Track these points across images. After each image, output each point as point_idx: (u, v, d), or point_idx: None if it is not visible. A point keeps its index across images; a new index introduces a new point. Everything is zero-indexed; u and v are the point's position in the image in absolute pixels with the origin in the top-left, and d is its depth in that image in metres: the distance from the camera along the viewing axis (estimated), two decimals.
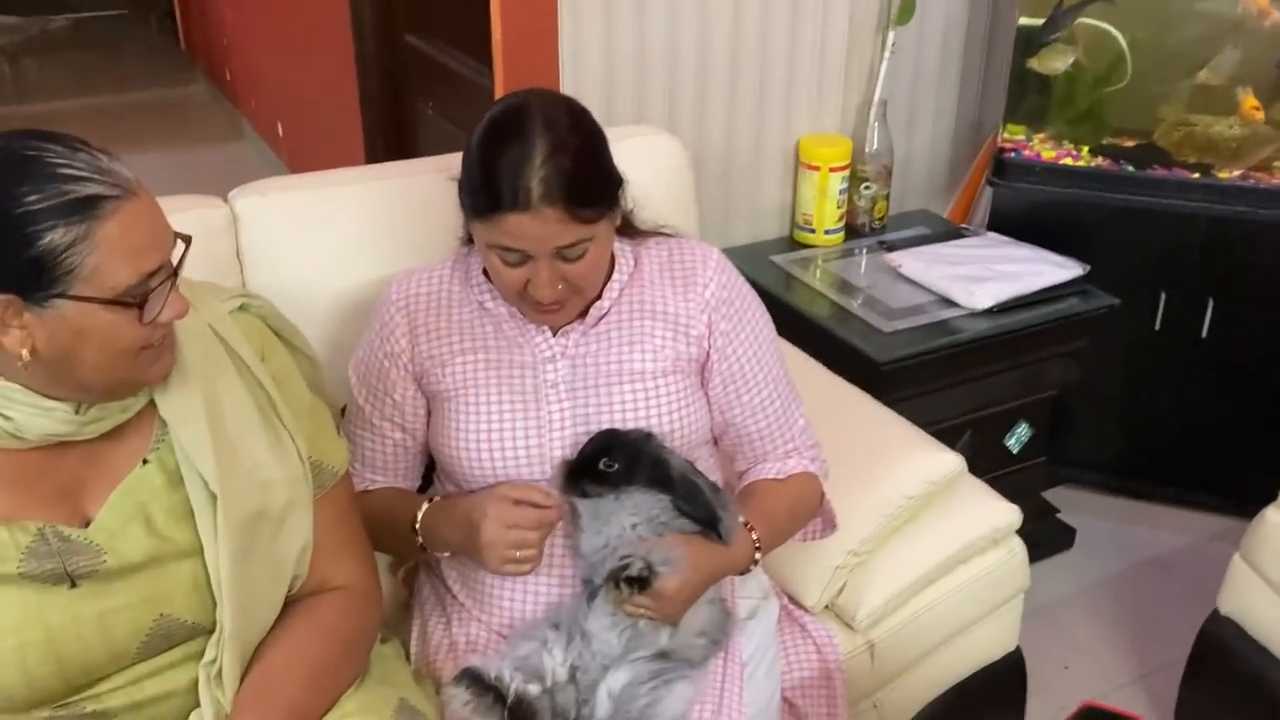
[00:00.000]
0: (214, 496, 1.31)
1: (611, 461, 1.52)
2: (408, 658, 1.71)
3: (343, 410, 1.88)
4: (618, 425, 1.60)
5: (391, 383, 1.67)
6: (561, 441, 1.60)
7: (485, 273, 1.64)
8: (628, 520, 1.53)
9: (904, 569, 1.91)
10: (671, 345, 1.63)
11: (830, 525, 1.79)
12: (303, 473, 1.41)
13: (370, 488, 1.73)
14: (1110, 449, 3.07)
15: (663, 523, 1.54)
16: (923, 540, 1.93)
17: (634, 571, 1.47)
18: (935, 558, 1.92)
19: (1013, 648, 2.11)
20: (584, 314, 1.63)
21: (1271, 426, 2.90)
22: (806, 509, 1.75)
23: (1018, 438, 2.72)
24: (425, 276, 1.69)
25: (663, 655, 1.54)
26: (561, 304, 1.55)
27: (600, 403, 1.61)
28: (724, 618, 1.63)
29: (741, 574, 1.67)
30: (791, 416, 1.74)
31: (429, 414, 1.68)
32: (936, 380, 2.49)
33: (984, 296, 2.53)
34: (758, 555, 1.64)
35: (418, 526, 1.63)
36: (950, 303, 2.56)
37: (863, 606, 1.88)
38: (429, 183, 1.91)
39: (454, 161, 1.53)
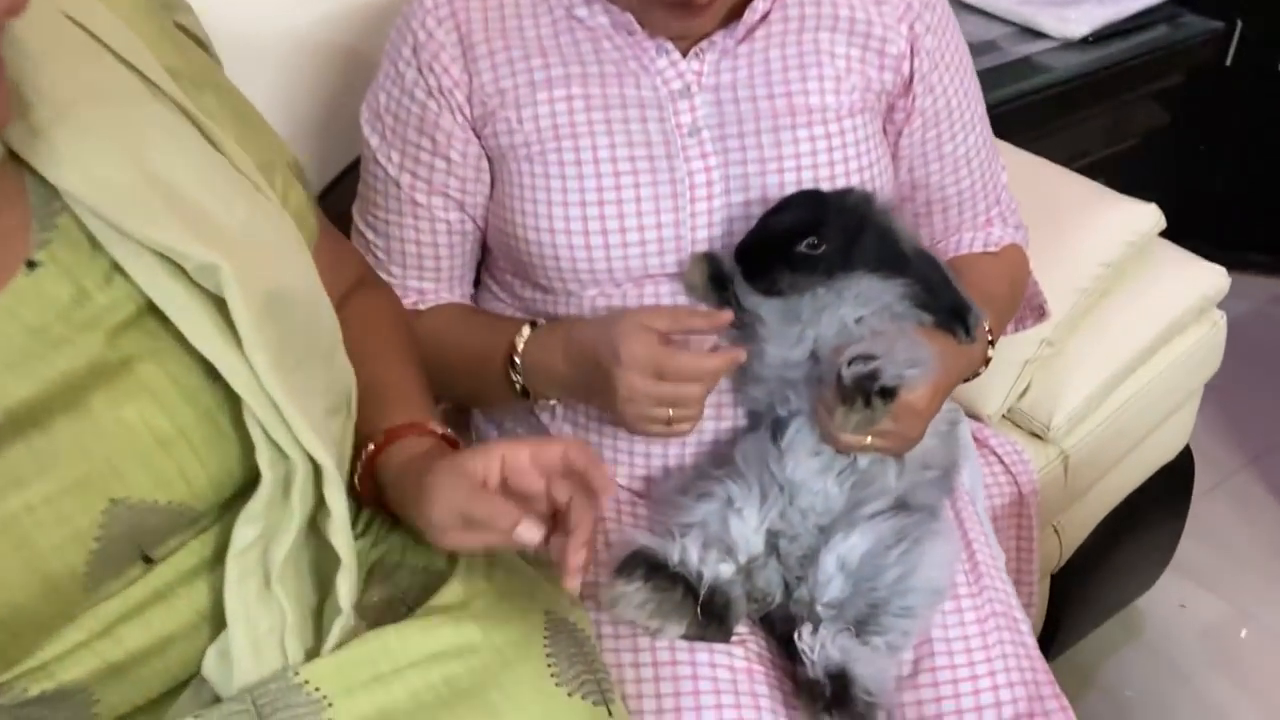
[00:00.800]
0: (210, 270, 0.76)
1: (819, 241, 1.02)
2: None
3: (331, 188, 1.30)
4: (789, 187, 1.09)
5: (442, 136, 1.11)
6: (708, 217, 1.09)
7: None
8: (850, 313, 1.04)
9: (1103, 357, 1.48)
10: (860, 70, 1.12)
11: (1039, 312, 1.34)
12: (279, 212, 0.89)
13: (420, 305, 1.19)
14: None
15: (897, 314, 1.05)
16: (1120, 319, 1.50)
17: (888, 379, 0.99)
18: (1138, 340, 1.49)
19: (1185, 442, 1.72)
20: (727, 21, 1.10)
21: None
22: (1023, 291, 1.30)
23: None
24: None
25: (902, 505, 1.07)
26: None
27: (764, 156, 1.10)
28: (950, 441, 1.16)
29: (971, 379, 1.20)
30: (995, 171, 1.26)
31: (491, 184, 1.15)
32: (1022, 132, 2.02)
33: (1080, 22, 2.06)
34: (990, 353, 1.18)
35: (518, 359, 1.11)
36: (1030, 33, 2.09)
37: (1058, 409, 1.45)
38: None
39: None
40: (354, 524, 0.97)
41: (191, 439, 0.78)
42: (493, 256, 1.20)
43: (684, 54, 1.09)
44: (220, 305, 0.77)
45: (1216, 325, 1.58)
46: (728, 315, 1.03)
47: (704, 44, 1.09)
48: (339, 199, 1.31)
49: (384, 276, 1.18)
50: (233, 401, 0.79)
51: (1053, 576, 1.60)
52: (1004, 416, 1.47)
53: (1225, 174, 2.63)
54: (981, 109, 1.23)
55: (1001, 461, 1.40)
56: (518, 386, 1.12)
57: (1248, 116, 2.56)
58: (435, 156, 1.12)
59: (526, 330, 1.11)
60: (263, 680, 0.81)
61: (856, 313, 1.04)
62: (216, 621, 0.83)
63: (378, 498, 0.95)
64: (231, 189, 0.84)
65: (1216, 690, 1.83)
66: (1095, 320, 1.48)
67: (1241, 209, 2.66)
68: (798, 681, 1.03)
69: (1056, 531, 1.54)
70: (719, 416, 1.13)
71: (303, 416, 0.79)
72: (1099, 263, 1.45)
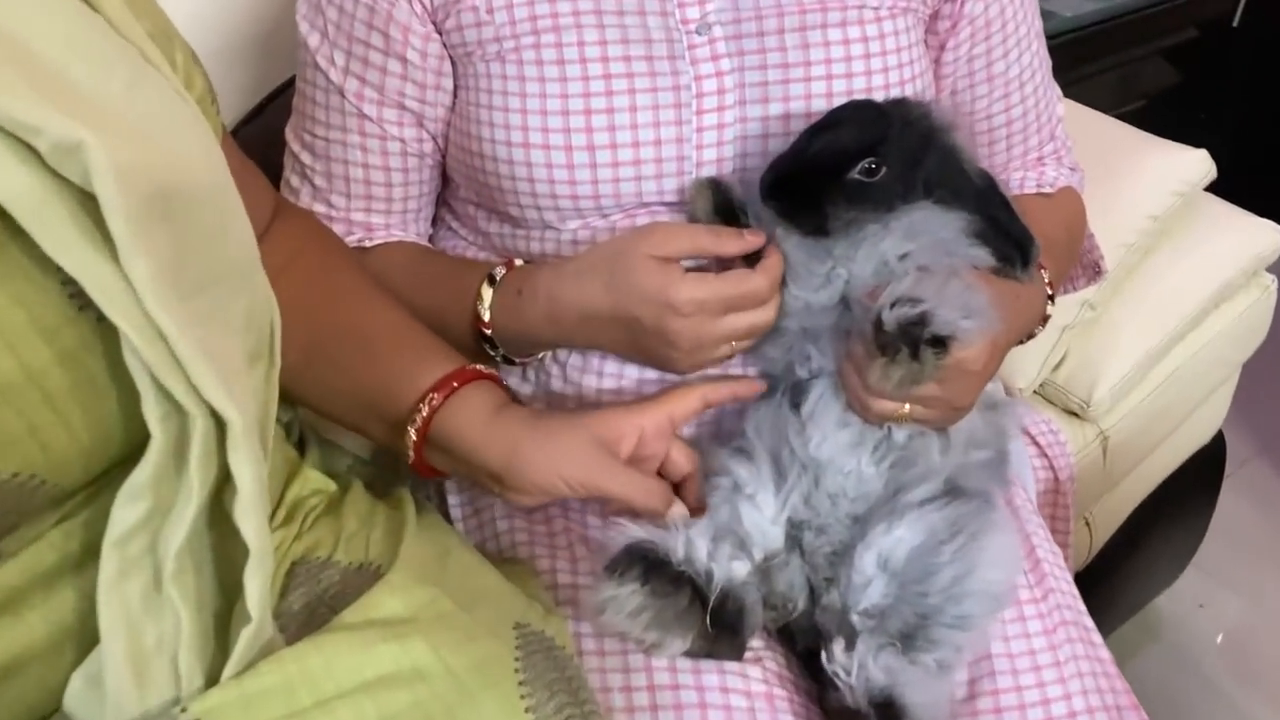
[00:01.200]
0: (72, 151, 0.54)
1: (879, 164, 0.82)
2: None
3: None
4: (817, 100, 0.90)
5: (397, 30, 0.89)
6: (717, 133, 0.89)
7: None
8: (893, 247, 0.84)
9: (1148, 323, 1.30)
10: None
11: (1094, 269, 1.14)
12: (179, 91, 0.66)
13: (365, 242, 0.97)
14: None
15: (951, 251, 0.85)
16: (1167, 280, 1.32)
17: (940, 326, 0.79)
18: (1187, 304, 1.31)
19: (1220, 425, 1.55)
20: None
21: None
22: (1081, 242, 1.10)
23: None
24: None
25: (954, 490, 0.88)
26: None
27: (787, 61, 0.89)
28: (1000, 417, 0.97)
29: (1025, 341, 1.01)
30: (1051, 101, 1.06)
31: (455, 93, 0.93)
32: None
33: None
34: (1049, 310, 0.99)
35: (485, 313, 0.90)
36: None
37: (1099, 383, 1.27)
38: None
39: None
40: (274, 507, 0.77)
41: (49, 388, 0.56)
42: (453, 185, 0.99)
43: None
44: (90, 203, 0.55)
45: (1268, 290, 1.41)
46: (760, 237, 0.83)
47: None
48: (268, 125, 1.09)
49: (320, 210, 0.96)
50: (108, 337, 0.57)
51: (1076, 575, 1.42)
52: (1036, 391, 1.29)
53: (1230, 139, 2.47)
54: (1038, 25, 1.03)
55: (1035, 443, 1.21)
56: (498, 358, 0.91)
57: (1256, 79, 2.40)
58: (388, 57, 0.90)
59: (489, 295, 0.90)
60: (147, 715, 0.59)
61: (902, 247, 0.83)
62: (84, 637, 0.61)
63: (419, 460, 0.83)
64: (110, 52, 0.62)
65: (1238, 695, 1.67)
66: (1140, 281, 1.30)
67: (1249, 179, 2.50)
68: (827, 710, 0.83)
69: (1088, 524, 1.36)
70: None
71: (203, 355, 0.57)
72: (1146, 215, 1.27)
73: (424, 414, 0.81)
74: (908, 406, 0.84)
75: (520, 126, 0.88)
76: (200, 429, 0.58)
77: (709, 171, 0.89)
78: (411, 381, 0.82)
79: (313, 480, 0.84)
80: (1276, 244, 1.36)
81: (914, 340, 0.78)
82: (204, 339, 0.58)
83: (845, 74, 0.90)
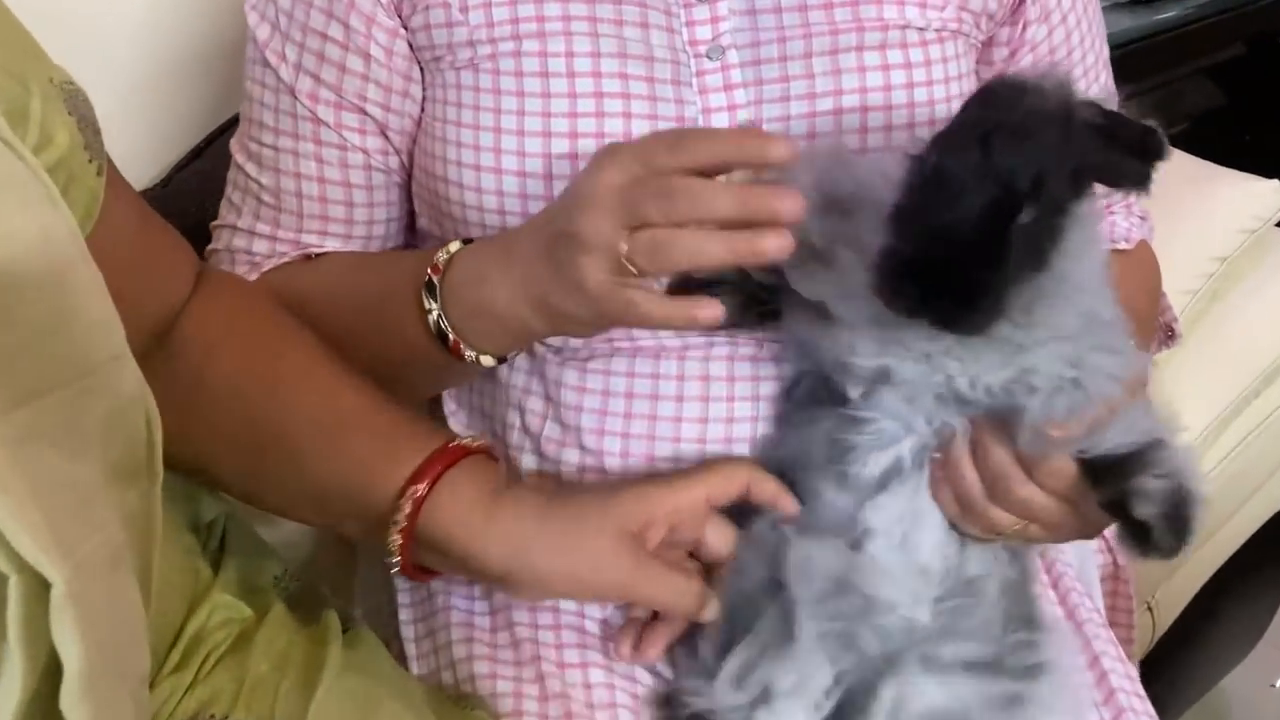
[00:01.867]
0: None
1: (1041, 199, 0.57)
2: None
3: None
4: (850, 135, 0.74)
5: (359, 21, 0.75)
6: None
7: None
8: (1053, 363, 0.63)
9: (1219, 381, 1.14)
10: None
11: (1167, 332, 0.98)
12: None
13: (313, 250, 0.81)
14: None
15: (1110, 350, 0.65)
16: (1236, 329, 1.16)
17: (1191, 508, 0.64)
18: (1264, 353, 1.15)
19: None
20: None
21: None
22: (1158, 303, 0.94)
23: None
24: None
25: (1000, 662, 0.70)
26: None
27: (815, 91, 0.74)
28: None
29: None
30: None
31: (423, 105, 0.78)
32: None
33: None
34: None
35: (436, 279, 0.70)
36: None
37: None
38: None
39: None
40: (167, 647, 0.64)
41: None
42: (418, 222, 0.83)
43: None
44: None
45: None
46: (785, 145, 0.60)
47: None
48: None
49: (264, 231, 0.81)
50: None
51: (1139, 664, 1.25)
52: None
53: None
54: (1105, 53, 0.89)
55: None
56: (431, 318, 0.70)
57: None
58: (348, 52, 0.75)
59: (457, 243, 0.72)
60: None
61: (1064, 358, 0.62)
62: None
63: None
64: None
65: None
66: (1207, 332, 1.14)
67: None
68: None
69: (1151, 610, 1.19)
70: (730, 416, 0.76)
71: (18, 491, 0.42)
72: (1210, 256, 1.12)
73: (407, 510, 0.67)
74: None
75: (492, 148, 0.73)
76: (17, 591, 0.42)
77: None
78: (388, 469, 0.68)
79: (222, 607, 0.69)
80: None
81: (1180, 525, 0.63)
82: (30, 463, 0.43)
83: (884, 105, 0.74)
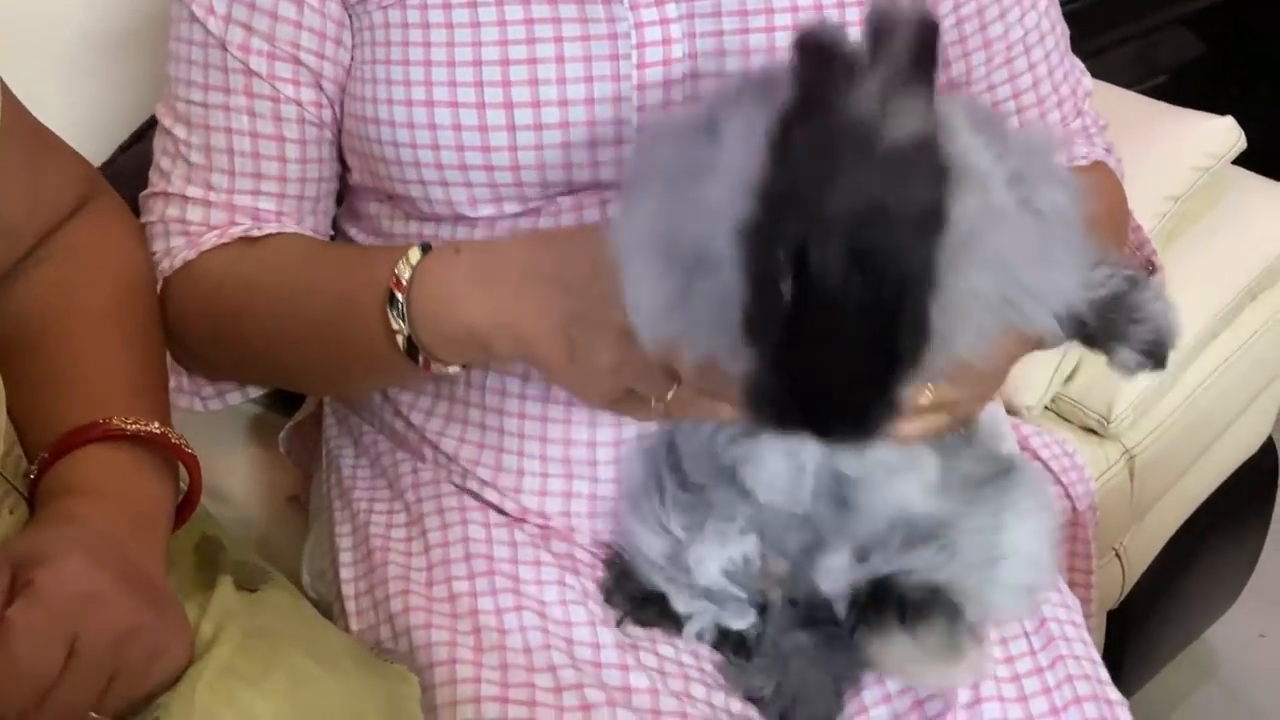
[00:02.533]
0: None
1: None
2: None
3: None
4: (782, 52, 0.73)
5: None
6: (663, 94, 0.75)
7: None
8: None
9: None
10: None
11: (1148, 267, 0.96)
12: None
13: (253, 231, 0.80)
14: None
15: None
16: (1194, 271, 1.14)
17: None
18: (1220, 296, 1.15)
19: (1268, 433, 1.37)
20: None
21: None
22: (1125, 226, 0.92)
23: None
24: None
25: None
26: None
27: (746, 8, 0.75)
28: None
29: None
30: (1070, 70, 0.89)
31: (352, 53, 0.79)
32: None
33: None
34: None
35: (400, 294, 0.71)
36: None
37: (1119, 395, 1.09)
38: None
39: None
40: None
41: None
42: (351, 176, 0.84)
43: None
44: None
45: None
46: None
47: None
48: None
49: (196, 194, 0.80)
50: None
51: (1109, 614, 1.24)
52: (1047, 408, 1.12)
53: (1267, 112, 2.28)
54: None
55: (1048, 468, 1.03)
56: (400, 339, 0.71)
57: None
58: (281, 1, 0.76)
59: (416, 255, 0.71)
60: None
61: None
62: None
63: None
64: None
65: None
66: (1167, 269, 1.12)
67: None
68: None
69: (1119, 556, 1.19)
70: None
71: None
72: (1164, 195, 1.10)
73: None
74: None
75: (423, 81, 0.74)
76: None
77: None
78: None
79: None
80: None
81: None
82: None
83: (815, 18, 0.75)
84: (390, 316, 0.71)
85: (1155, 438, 1.13)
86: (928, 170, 0.51)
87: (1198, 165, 1.12)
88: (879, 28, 0.52)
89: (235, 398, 0.87)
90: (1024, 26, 0.83)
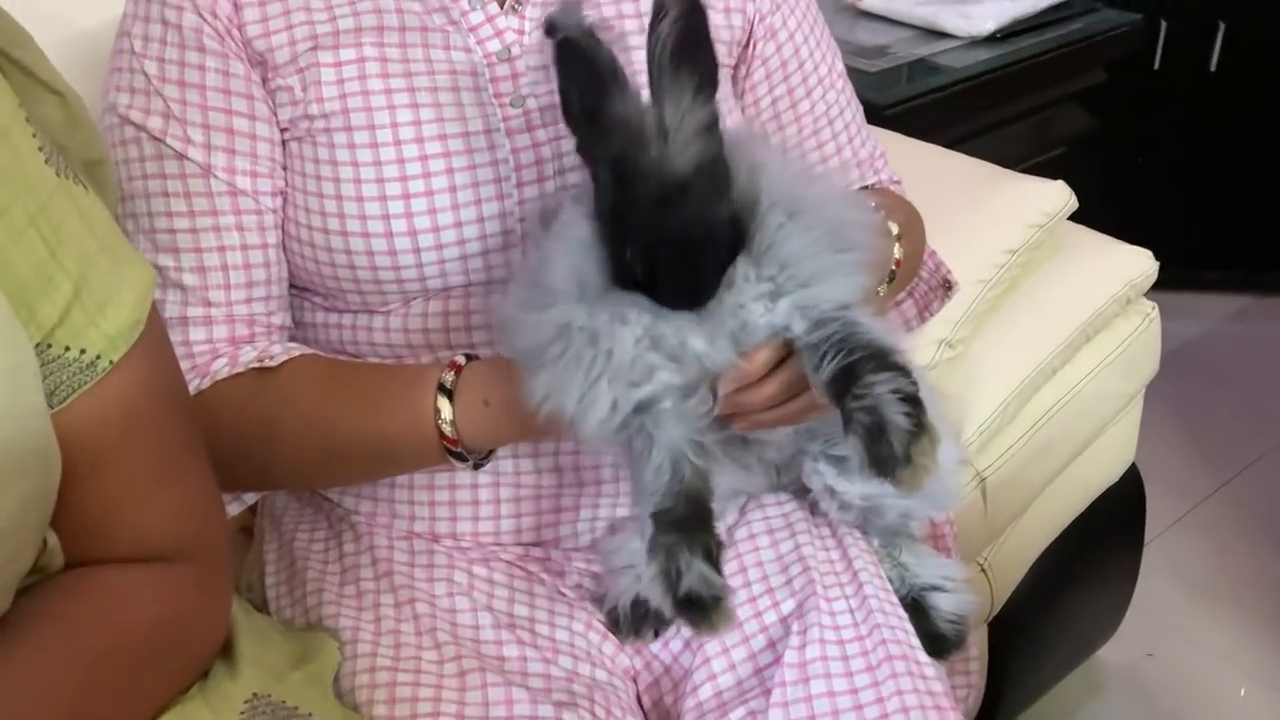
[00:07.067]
0: None
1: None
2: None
3: None
4: None
5: (257, 90, 0.88)
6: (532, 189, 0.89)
7: None
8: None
9: (1016, 359, 1.26)
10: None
11: (945, 286, 1.08)
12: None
13: (267, 361, 0.88)
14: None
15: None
16: (1032, 315, 1.29)
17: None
18: (1055, 336, 1.28)
19: (1130, 461, 1.50)
20: None
21: None
22: (921, 239, 1.05)
23: None
24: None
25: None
26: None
27: None
28: None
29: None
30: (866, 140, 1.06)
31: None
32: (932, 136, 1.83)
33: (985, 19, 1.91)
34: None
35: (450, 430, 0.83)
36: (933, 35, 1.93)
37: (966, 423, 1.22)
38: None
39: None
40: None
41: None
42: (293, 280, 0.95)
43: (501, 5, 0.89)
44: None
45: (1149, 318, 1.37)
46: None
47: None
48: None
49: (197, 314, 0.87)
50: None
51: (990, 625, 1.37)
52: None
53: (1163, 185, 2.45)
54: (840, 67, 1.04)
55: None
56: (468, 467, 0.86)
57: (1180, 122, 2.39)
58: (255, 121, 0.87)
59: (447, 409, 0.83)
60: None
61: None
62: None
63: None
64: None
65: None
66: (1003, 317, 1.27)
67: (1185, 222, 2.47)
68: None
69: (984, 570, 1.31)
70: None
71: None
72: (1002, 250, 1.25)
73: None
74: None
75: (337, 214, 0.86)
76: None
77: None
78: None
79: None
80: (1148, 270, 1.34)
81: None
82: None
83: None
84: (448, 459, 0.84)
85: (1004, 463, 1.26)
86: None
87: (1033, 223, 1.27)
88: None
89: (234, 508, 0.92)
90: (826, 103, 1.00)
